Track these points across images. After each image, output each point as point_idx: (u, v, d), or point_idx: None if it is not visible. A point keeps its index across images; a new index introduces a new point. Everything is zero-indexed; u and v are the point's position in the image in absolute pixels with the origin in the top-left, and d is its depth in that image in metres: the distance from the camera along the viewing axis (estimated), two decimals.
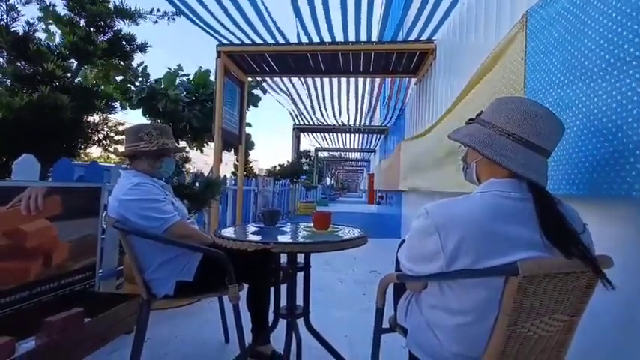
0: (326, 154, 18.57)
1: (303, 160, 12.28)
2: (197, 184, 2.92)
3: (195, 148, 7.18)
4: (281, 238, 1.32)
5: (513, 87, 1.65)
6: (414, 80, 5.27)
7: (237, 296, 1.57)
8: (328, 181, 25.95)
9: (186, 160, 2.99)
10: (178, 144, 6.93)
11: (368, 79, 6.24)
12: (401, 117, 6.94)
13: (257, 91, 6.62)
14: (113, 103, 2.62)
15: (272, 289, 1.61)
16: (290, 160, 10.32)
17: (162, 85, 5.32)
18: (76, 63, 2.61)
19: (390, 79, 5.96)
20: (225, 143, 5.24)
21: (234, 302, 1.55)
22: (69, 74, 2.50)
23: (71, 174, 2.32)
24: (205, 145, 6.38)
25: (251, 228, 1.54)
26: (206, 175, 4.59)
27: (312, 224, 1.48)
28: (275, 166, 11.57)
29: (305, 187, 11.65)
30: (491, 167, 0.92)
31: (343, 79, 6.10)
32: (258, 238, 1.31)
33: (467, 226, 0.84)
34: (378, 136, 11.06)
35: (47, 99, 2.10)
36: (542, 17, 1.45)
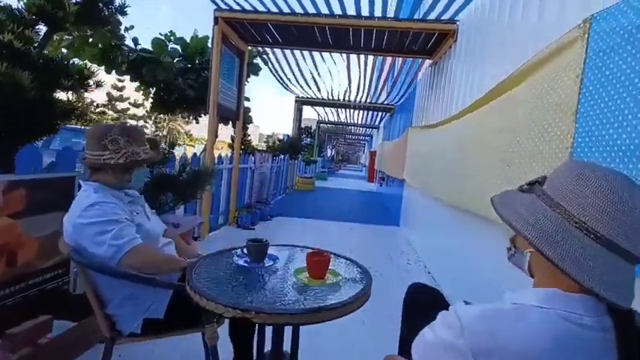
0: (328, 125, 18.07)
1: (304, 136, 11.86)
2: (184, 175, 2.65)
3: (190, 118, 6.80)
4: (265, 294, 1.08)
5: (560, 108, 1.34)
6: (428, 62, 4.83)
7: (215, 336, 1.37)
8: (329, 152, 25.54)
9: (172, 144, 2.69)
10: (175, 114, 6.54)
11: (378, 57, 5.76)
12: (410, 98, 6.51)
13: (257, 60, 6.12)
14: (89, 80, 2.26)
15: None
16: (291, 134, 9.93)
17: (153, 52, 4.85)
18: (44, 31, 2.23)
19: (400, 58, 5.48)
20: (220, 118, 4.90)
21: (211, 344, 1.36)
22: (35, 45, 2.13)
23: (38, 161, 2.06)
24: (200, 116, 6.00)
25: (235, 263, 1.29)
26: (198, 154, 4.31)
27: (304, 264, 1.24)
28: (275, 140, 11.20)
29: (305, 162, 11.35)
30: (553, 273, 0.66)
31: (351, 55, 5.61)
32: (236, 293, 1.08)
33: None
34: (383, 113, 10.60)
35: (3, 77, 1.77)
36: (613, 28, 1.12)
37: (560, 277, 0.66)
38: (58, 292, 2.02)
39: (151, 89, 5.47)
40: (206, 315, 1.33)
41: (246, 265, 1.27)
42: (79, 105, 2.19)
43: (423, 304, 1.28)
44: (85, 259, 1.22)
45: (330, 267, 1.21)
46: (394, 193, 7.19)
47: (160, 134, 27.50)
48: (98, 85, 2.27)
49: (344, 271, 1.29)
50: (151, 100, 5.59)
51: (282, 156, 8.64)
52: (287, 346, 1.36)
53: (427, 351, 0.73)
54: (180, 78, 5.23)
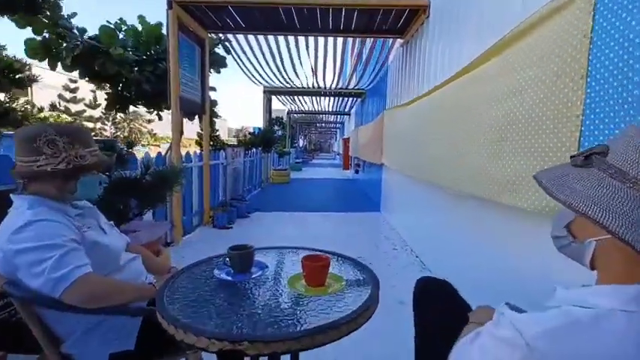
0: (299, 115, 17.73)
1: (276, 128, 11.49)
2: (148, 177, 2.36)
3: (152, 114, 6.31)
4: (257, 315, 0.89)
5: (566, 73, 1.23)
6: (399, 41, 4.70)
7: None
8: (301, 142, 25.21)
9: (131, 144, 2.39)
10: (136, 106, 6.01)
11: (347, 39, 5.56)
12: (381, 81, 6.40)
13: (220, 50, 5.71)
14: (20, 74, 1.91)
15: None
16: (261, 127, 9.57)
17: (102, 43, 4.37)
18: None
19: (370, 39, 5.32)
20: (185, 113, 4.54)
21: None
22: None
23: None
24: (162, 111, 5.56)
25: (216, 277, 1.09)
26: (163, 154, 3.96)
27: (300, 270, 1.06)
28: (245, 132, 10.80)
29: (278, 154, 11.04)
30: (633, 260, 0.53)
31: (318, 38, 5.38)
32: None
33: None
34: (354, 99, 10.46)
35: None
36: None
37: (639, 270, 0.52)
38: (10, 323, 1.73)
39: (104, 85, 4.98)
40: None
41: (229, 278, 1.07)
42: (10, 106, 1.85)
43: (436, 301, 1.15)
44: (25, 292, 0.97)
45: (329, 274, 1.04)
46: (372, 179, 7.13)
47: (121, 135, 25.93)
48: (32, 80, 1.92)
49: (345, 273, 1.13)
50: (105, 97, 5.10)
51: (254, 149, 8.31)
52: None
53: None
54: (135, 71, 4.78)
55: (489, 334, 0.59)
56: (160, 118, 6.16)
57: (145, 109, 5.71)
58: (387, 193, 5.48)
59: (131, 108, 5.58)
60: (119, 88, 5.00)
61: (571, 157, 0.64)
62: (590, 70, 1.12)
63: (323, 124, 24.44)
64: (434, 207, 3.21)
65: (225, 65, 5.71)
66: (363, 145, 7.15)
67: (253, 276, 1.08)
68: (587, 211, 0.52)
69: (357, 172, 9.51)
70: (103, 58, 4.30)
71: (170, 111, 3.98)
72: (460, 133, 2.08)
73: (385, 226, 4.87)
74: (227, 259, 1.11)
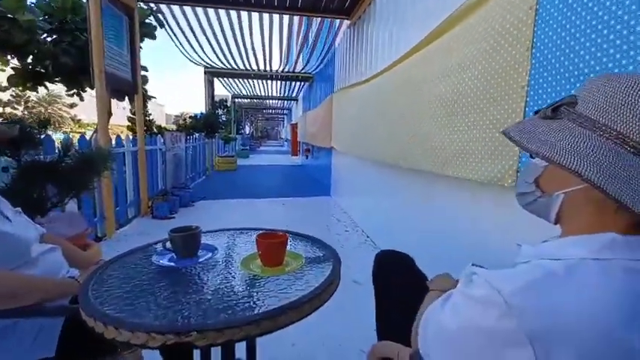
0: (244, 100, 17.04)
1: (220, 112, 10.87)
2: (68, 160, 2.03)
3: (72, 93, 5.51)
4: (207, 302, 0.78)
5: (512, 45, 1.26)
6: (346, 23, 4.65)
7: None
8: (247, 129, 24.37)
9: (44, 123, 2.04)
10: (53, 83, 5.15)
11: (291, 20, 5.37)
12: (329, 64, 6.35)
13: (151, 20, 5.14)
14: None
15: None
16: (204, 110, 8.97)
17: (5, 7, 3.66)
18: None
19: (318, 20, 5.20)
20: (113, 92, 4.04)
21: None
22: None
23: None
24: (84, 90, 4.88)
25: (156, 263, 0.94)
26: (89, 137, 3.49)
27: (253, 251, 0.96)
28: (185, 117, 10.09)
29: (223, 140, 10.50)
30: (602, 209, 0.52)
31: (262, 16, 5.12)
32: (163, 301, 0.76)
33: (588, 337, 0.45)
34: (302, 83, 10.31)
35: None
36: None
37: (608, 219, 0.52)
38: None
39: (9, 58, 4.20)
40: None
41: (172, 264, 0.93)
42: None
43: (396, 273, 1.13)
44: None
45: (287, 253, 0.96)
46: (322, 164, 7.14)
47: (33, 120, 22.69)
48: None
49: (303, 251, 1.05)
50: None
51: (196, 135, 7.80)
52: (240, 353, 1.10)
53: (452, 342, 0.55)
54: (50, 42, 4.11)
55: (462, 294, 0.56)
56: (82, 99, 5.43)
57: (65, 88, 4.98)
58: (337, 177, 5.52)
59: (50, 88, 4.83)
60: (29, 62, 4.28)
61: (535, 112, 0.63)
62: (535, 42, 1.16)
63: (270, 110, 23.87)
64: (383, 188, 3.28)
65: (154, 35, 5.15)
66: (312, 129, 7.10)
67: (200, 260, 0.96)
68: (561, 160, 0.50)
69: (306, 157, 9.46)
70: (8, 25, 3.61)
71: (95, 91, 3.50)
72: (412, 111, 2.10)
73: (336, 209, 4.91)
74: (169, 242, 0.97)
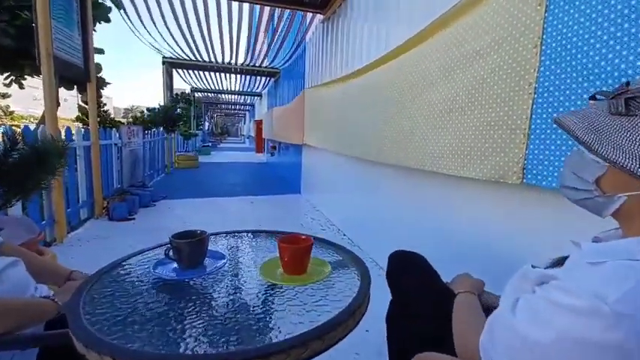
0: (204, 94, 16.25)
1: (181, 106, 10.22)
2: (14, 156, 1.73)
3: (9, 80, 4.84)
4: (229, 318, 0.66)
5: (520, 42, 1.26)
6: (319, 17, 4.57)
7: None
8: (207, 125, 23.34)
9: None
10: None
11: (261, 11, 5.18)
12: (299, 60, 6.22)
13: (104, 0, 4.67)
14: None
15: None
16: (162, 104, 8.36)
17: None
18: None
19: (287, 12, 5.06)
20: (62, 79, 3.60)
21: None
22: None
23: None
24: (24, 78, 4.31)
25: (156, 275, 0.79)
26: (33, 129, 3.06)
27: (267, 257, 0.85)
28: (135, 111, 9.38)
29: (183, 136, 9.90)
30: None
31: (230, 5, 4.87)
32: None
33: None
34: (267, 79, 10.04)
35: None
36: None
37: None
38: None
39: None
40: None
41: (174, 276, 0.79)
42: None
43: (410, 272, 1.08)
44: None
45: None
46: (289, 161, 7.00)
47: None
48: None
49: (323, 256, 0.96)
50: None
51: (154, 129, 7.27)
52: None
53: (546, 355, 0.49)
54: None
55: (551, 302, 0.50)
56: (22, 87, 4.82)
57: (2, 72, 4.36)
58: (308, 175, 5.43)
59: None
60: None
61: (591, 97, 0.60)
62: (545, 39, 1.16)
63: (230, 106, 23.06)
64: (358, 185, 3.26)
65: (107, 19, 4.69)
66: (280, 126, 6.93)
67: (208, 270, 0.83)
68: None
69: (272, 154, 9.24)
70: None
71: (42, 77, 3.07)
72: (404, 108, 2.07)
73: (308, 207, 4.82)
74: (170, 250, 0.82)
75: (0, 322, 0.68)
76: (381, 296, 1.04)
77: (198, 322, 0.64)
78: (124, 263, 0.88)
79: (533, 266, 0.66)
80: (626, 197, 0.54)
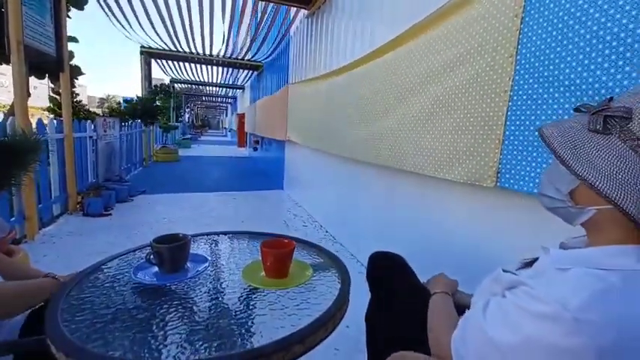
0: (183, 86, 15.84)
1: (160, 97, 9.92)
2: None
3: None
4: (211, 323, 0.67)
5: (497, 51, 1.31)
6: (304, 12, 4.53)
7: None
8: (187, 117, 22.77)
9: None
10: None
11: (244, 4, 5.08)
12: (282, 54, 6.16)
13: None
14: None
15: None
16: (140, 94, 8.09)
17: None
18: None
19: (271, 5, 4.99)
20: (32, 68, 3.43)
21: None
22: None
23: None
24: None
25: (135, 280, 0.79)
26: (1, 120, 2.91)
27: (248, 261, 0.86)
28: (111, 100, 9.05)
29: (162, 129, 9.62)
30: (631, 228, 0.54)
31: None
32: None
33: None
34: (249, 72, 9.89)
35: None
36: None
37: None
38: None
39: None
40: None
41: (155, 281, 0.79)
42: None
43: (389, 273, 1.11)
44: None
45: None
46: (272, 156, 6.96)
47: None
48: None
49: (305, 258, 0.98)
50: None
51: (131, 122, 7.04)
52: None
53: (509, 357, 0.53)
54: None
55: (519, 308, 0.54)
56: None
57: None
58: (291, 170, 5.42)
59: None
60: None
61: (575, 109, 0.63)
62: (519, 49, 1.21)
63: (212, 98, 22.58)
64: (341, 182, 3.30)
65: (81, 6, 4.48)
66: (264, 121, 6.86)
67: (190, 274, 0.83)
68: (608, 192, 0.51)
69: (255, 149, 9.15)
70: None
71: (12, 66, 2.91)
72: (385, 109, 2.11)
73: (291, 203, 4.83)
74: (151, 255, 0.82)
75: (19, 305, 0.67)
76: (362, 292, 1.07)
77: (181, 327, 0.65)
78: (103, 267, 0.87)
79: (504, 270, 0.70)
80: (596, 210, 0.58)
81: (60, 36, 3.61)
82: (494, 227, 1.44)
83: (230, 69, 10.00)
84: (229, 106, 25.45)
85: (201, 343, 0.60)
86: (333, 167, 3.47)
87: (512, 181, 1.24)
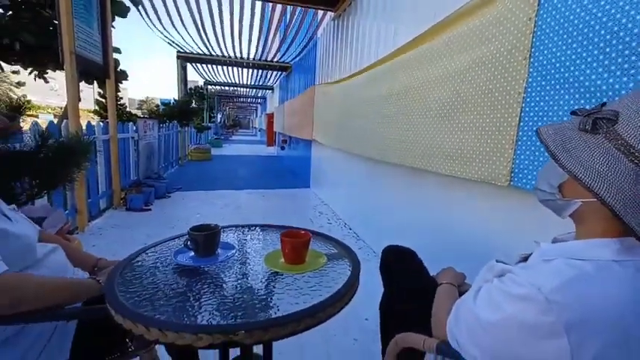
0: (216, 87, 16.48)
1: (195, 99, 10.43)
2: (46, 150, 1.90)
3: (33, 75, 5.08)
4: (239, 297, 0.79)
5: (512, 53, 1.34)
6: (330, 15, 4.63)
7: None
8: (219, 117, 23.65)
9: (18, 108, 1.91)
10: (9, 62, 4.67)
11: (273, 8, 5.25)
12: (309, 55, 6.29)
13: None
14: None
15: None
16: (176, 97, 8.58)
17: None
18: None
19: (298, 9, 5.12)
20: (82, 75, 3.78)
21: None
22: None
23: None
24: (46, 72, 4.52)
25: (176, 262, 0.93)
26: (56, 123, 3.26)
27: (270, 249, 0.98)
28: (150, 103, 9.62)
29: (197, 129, 10.13)
30: (614, 221, 0.59)
31: (242, 3, 4.96)
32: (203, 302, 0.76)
33: (612, 329, 0.52)
34: (279, 72, 10.14)
35: None
36: None
37: (622, 226, 0.59)
38: None
39: None
40: (138, 341, 0.96)
41: (191, 263, 0.93)
42: None
43: (400, 265, 1.19)
44: None
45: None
46: (299, 155, 7.12)
47: None
48: None
49: (321, 249, 1.08)
50: None
51: (169, 122, 7.48)
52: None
53: (492, 333, 0.60)
54: (6, 17, 3.75)
55: (501, 291, 0.61)
56: (46, 81, 5.05)
57: (22, 66, 4.59)
58: (317, 169, 5.55)
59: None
60: None
61: (572, 112, 0.68)
62: (533, 52, 1.24)
63: (242, 99, 23.27)
64: (366, 182, 3.36)
65: (125, 14, 4.84)
66: (291, 120, 7.05)
67: (221, 259, 0.96)
68: (593, 186, 0.56)
69: (282, 148, 9.39)
70: None
71: (65, 74, 3.25)
72: (406, 110, 2.16)
73: (317, 201, 4.95)
74: (188, 241, 0.96)
75: (57, 297, 0.83)
76: (381, 288, 1.16)
77: (212, 300, 0.77)
78: (148, 251, 1.02)
79: (497, 261, 0.77)
80: (581, 203, 0.64)
81: (106, 44, 3.95)
82: (507, 225, 1.46)
83: (260, 70, 10.30)
84: (259, 106, 26.09)
85: (228, 312, 0.73)
86: (356, 167, 3.55)
87: (524, 180, 1.27)
